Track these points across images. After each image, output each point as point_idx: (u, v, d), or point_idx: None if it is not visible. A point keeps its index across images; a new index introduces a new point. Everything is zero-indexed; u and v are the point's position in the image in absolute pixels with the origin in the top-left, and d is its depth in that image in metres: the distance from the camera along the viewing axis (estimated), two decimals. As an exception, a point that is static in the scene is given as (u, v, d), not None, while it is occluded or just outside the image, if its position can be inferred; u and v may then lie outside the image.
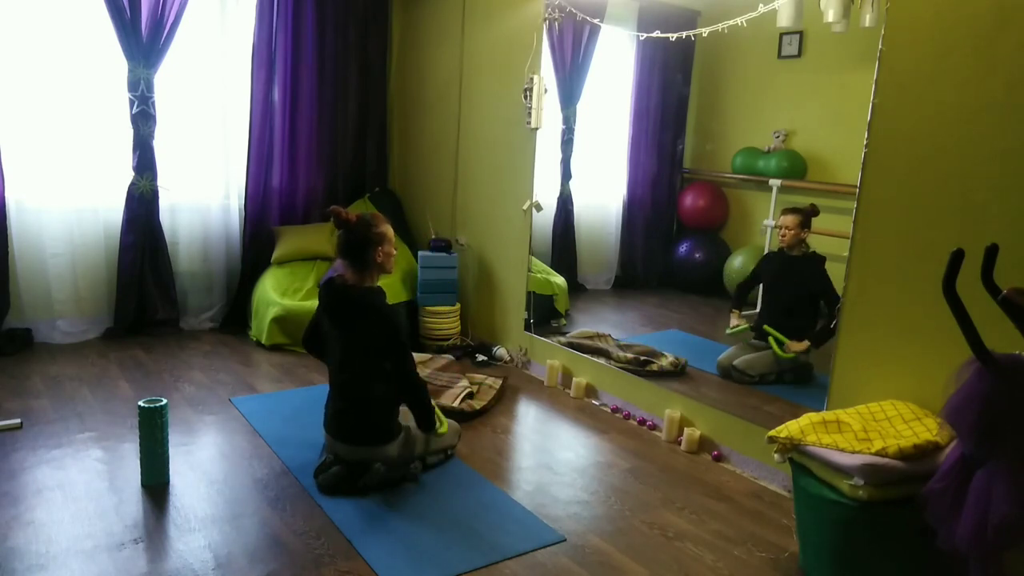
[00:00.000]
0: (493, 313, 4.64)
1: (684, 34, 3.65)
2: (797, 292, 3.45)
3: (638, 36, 4.04)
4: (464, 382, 3.79)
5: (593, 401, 3.90)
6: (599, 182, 4.73)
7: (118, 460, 2.94)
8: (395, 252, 2.83)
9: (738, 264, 4.24)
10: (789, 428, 2.41)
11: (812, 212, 3.35)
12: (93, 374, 3.86)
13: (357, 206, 5.10)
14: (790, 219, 3.41)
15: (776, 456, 2.46)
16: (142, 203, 4.39)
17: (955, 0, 2.40)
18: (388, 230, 2.79)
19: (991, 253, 1.86)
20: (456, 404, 3.55)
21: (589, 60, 4.38)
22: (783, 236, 3.44)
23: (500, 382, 3.93)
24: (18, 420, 3.08)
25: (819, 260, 3.32)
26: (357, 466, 2.77)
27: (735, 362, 3.54)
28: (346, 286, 2.75)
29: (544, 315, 4.44)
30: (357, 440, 2.77)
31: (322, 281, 2.91)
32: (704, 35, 3.57)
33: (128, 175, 4.35)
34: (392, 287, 4.53)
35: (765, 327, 3.53)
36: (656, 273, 4.83)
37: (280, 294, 4.47)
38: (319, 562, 2.35)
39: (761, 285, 3.71)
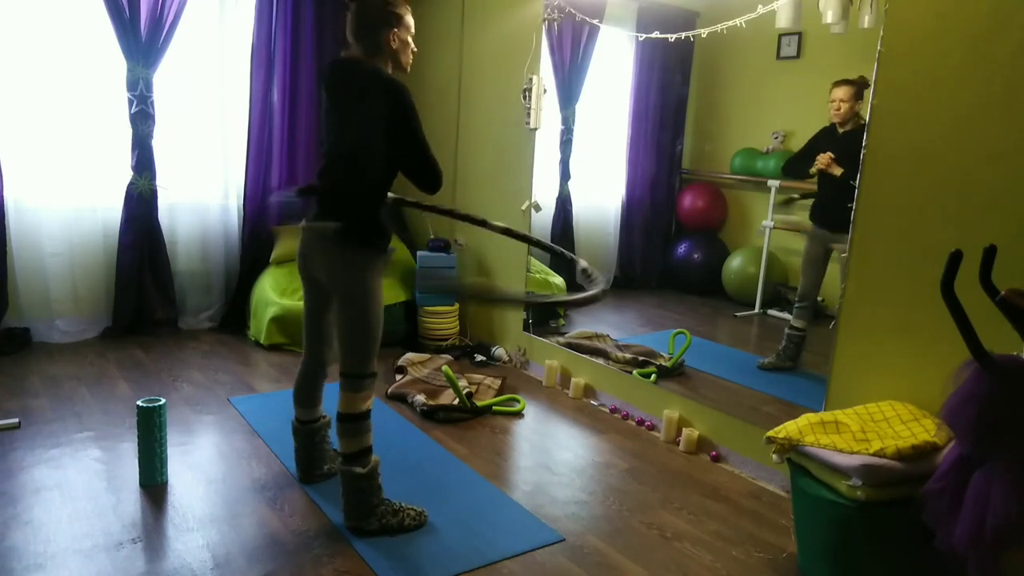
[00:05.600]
0: (492, 313, 4.64)
1: (683, 35, 3.65)
2: (850, 170, 3.06)
3: (637, 37, 4.05)
4: (463, 381, 3.80)
5: (592, 401, 3.90)
6: (598, 183, 4.74)
7: (116, 460, 2.94)
8: (413, 46, 2.53)
9: (737, 265, 4.25)
10: (787, 428, 2.42)
11: (864, 84, 3.00)
12: (91, 374, 3.86)
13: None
14: (842, 91, 3.20)
15: (774, 456, 2.46)
16: (141, 203, 4.38)
17: (954, 1, 2.41)
18: (408, 16, 2.47)
19: (989, 254, 1.86)
20: (454, 403, 3.56)
21: (588, 61, 4.39)
22: (837, 110, 3.24)
23: (499, 382, 3.93)
24: (16, 420, 3.07)
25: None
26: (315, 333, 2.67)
27: None
28: (355, 60, 2.45)
29: (543, 315, 4.44)
30: (337, 236, 2.41)
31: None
32: (703, 36, 3.58)
33: (127, 174, 4.35)
34: (391, 287, 4.53)
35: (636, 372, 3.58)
36: (655, 274, 4.84)
37: (279, 294, 4.47)
38: (317, 562, 2.35)
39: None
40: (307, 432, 2.81)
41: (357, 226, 2.42)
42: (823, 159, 3.28)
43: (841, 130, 3.29)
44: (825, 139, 3.44)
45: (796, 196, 3.84)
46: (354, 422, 2.49)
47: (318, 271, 2.54)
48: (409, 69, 2.56)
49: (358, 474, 2.47)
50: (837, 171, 3.23)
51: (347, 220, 2.42)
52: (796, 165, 3.62)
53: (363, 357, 2.49)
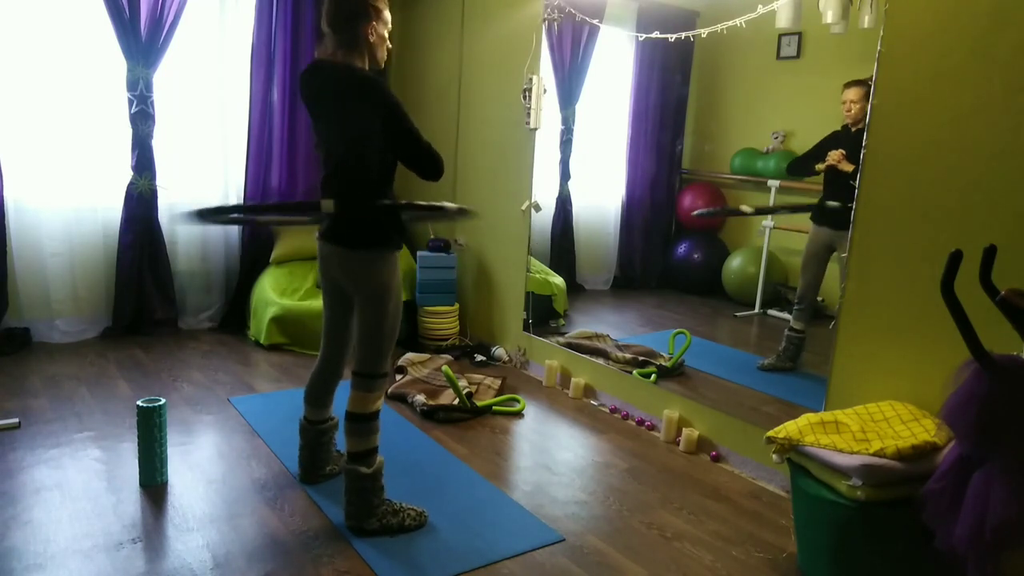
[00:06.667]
0: (492, 313, 4.65)
1: (683, 35, 3.65)
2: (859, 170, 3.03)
3: (637, 37, 4.05)
4: (463, 381, 3.80)
5: (592, 401, 3.90)
6: (598, 182, 4.74)
7: (116, 460, 2.94)
8: (388, 41, 2.48)
9: (737, 265, 4.24)
10: (787, 428, 2.42)
11: None
12: (91, 374, 3.86)
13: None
14: (853, 92, 3.21)
15: (774, 456, 2.46)
16: (141, 203, 4.38)
17: (954, 1, 2.41)
18: (387, 11, 2.43)
19: (989, 254, 1.86)
20: (454, 403, 3.56)
21: (588, 61, 4.39)
22: (848, 111, 3.25)
23: (499, 382, 3.93)
24: (16, 420, 3.06)
25: None
26: (326, 372, 2.73)
27: None
28: (329, 63, 2.40)
29: (543, 315, 4.44)
30: (348, 239, 2.45)
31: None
32: (703, 36, 3.58)
33: (127, 174, 4.35)
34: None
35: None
36: (655, 274, 4.84)
37: (279, 294, 4.47)
38: (317, 562, 2.35)
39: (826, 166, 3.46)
40: (315, 432, 2.81)
41: (365, 226, 2.45)
42: (835, 154, 3.31)
43: (854, 129, 3.30)
44: (836, 140, 3.45)
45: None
46: (363, 422, 2.51)
47: (338, 276, 2.56)
48: (383, 65, 2.53)
49: (363, 473, 2.47)
50: (848, 167, 3.25)
51: (356, 225, 2.45)
52: (803, 163, 3.63)
53: (379, 356, 2.52)
